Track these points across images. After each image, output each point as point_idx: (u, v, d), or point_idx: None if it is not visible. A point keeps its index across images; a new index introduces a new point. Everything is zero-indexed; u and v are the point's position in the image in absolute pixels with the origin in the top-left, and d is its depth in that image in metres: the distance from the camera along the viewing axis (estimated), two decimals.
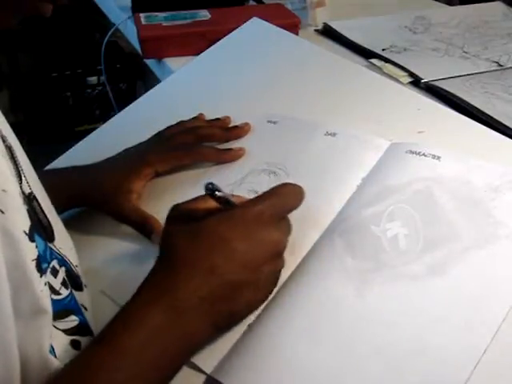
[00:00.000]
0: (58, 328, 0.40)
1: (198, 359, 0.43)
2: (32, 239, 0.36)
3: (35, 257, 0.36)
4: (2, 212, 0.33)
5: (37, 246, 0.37)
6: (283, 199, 0.42)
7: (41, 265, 0.37)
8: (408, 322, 0.42)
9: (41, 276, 0.36)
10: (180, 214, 0.43)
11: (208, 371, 0.42)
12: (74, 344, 0.41)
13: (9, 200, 0.34)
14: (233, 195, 0.45)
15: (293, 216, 0.46)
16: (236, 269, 0.39)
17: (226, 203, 0.42)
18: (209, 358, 0.43)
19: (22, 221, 0.35)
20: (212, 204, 0.42)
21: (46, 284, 0.37)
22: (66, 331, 0.41)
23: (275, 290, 0.46)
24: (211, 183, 0.41)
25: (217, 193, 0.41)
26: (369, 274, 0.45)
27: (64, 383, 0.36)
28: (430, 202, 0.49)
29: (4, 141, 0.40)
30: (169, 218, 0.43)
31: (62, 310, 0.41)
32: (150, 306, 0.38)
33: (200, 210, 0.42)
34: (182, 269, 0.39)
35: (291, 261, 0.48)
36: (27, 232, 0.35)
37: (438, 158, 0.52)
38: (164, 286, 0.38)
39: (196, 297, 0.38)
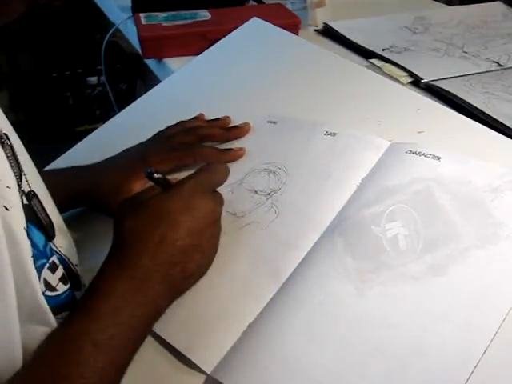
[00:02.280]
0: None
1: (198, 359, 0.43)
2: (29, 236, 0.37)
3: (32, 254, 0.37)
4: (7, 209, 0.34)
5: (32, 245, 0.37)
6: (211, 175, 0.49)
7: (36, 262, 0.38)
8: (408, 322, 0.42)
9: (36, 273, 0.37)
10: (126, 203, 0.47)
11: (208, 371, 0.42)
12: None
13: (12, 197, 0.36)
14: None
15: (293, 216, 0.45)
16: (182, 236, 0.44)
17: (163, 184, 0.47)
18: (209, 358, 0.43)
19: (22, 218, 0.37)
20: (153, 192, 0.47)
21: (40, 281, 0.38)
22: None
23: (275, 289, 0.46)
24: (150, 168, 0.46)
25: (155, 175, 0.46)
26: (369, 273, 0.45)
27: (53, 346, 0.39)
28: (431, 202, 0.49)
29: (4, 139, 0.40)
30: (117, 207, 0.47)
31: (57, 306, 0.41)
32: (115, 277, 0.42)
33: (143, 194, 0.48)
34: (136, 244, 0.44)
35: (292, 260, 0.48)
36: (26, 229, 0.36)
37: (438, 158, 0.52)
38: (124, 261, 0.43)
39: (153, 265, 0.43)
